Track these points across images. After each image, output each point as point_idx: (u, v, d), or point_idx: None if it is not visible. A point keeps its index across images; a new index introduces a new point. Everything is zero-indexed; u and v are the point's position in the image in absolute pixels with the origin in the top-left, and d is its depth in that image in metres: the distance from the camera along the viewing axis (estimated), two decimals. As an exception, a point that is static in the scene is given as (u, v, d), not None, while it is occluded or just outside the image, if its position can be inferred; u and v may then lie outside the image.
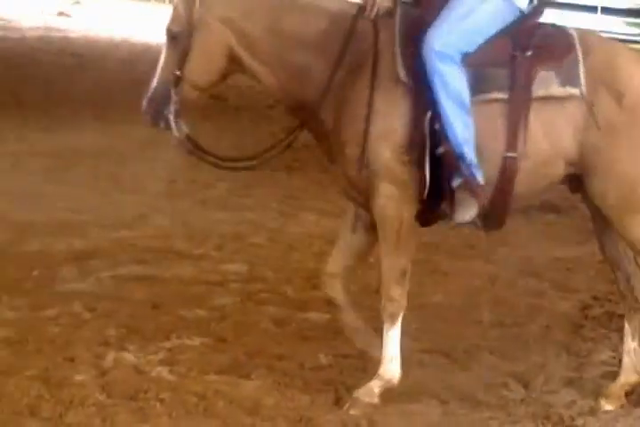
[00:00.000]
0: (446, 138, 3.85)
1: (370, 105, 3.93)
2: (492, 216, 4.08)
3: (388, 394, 3.78)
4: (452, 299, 5.13)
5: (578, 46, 3.80)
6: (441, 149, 3.84)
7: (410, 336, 4.28)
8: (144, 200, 6.09)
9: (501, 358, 4.40)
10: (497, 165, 3.95)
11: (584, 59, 3.76)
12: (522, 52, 4.08)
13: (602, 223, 3.99)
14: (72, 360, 3.84)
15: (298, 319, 4.62)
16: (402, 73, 3.91)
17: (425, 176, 3.82)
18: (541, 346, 4.56)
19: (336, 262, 4.01)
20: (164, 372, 3.84)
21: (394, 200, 3.88)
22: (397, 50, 4.01)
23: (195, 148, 4.17)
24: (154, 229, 5.57)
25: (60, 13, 15.41)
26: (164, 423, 3.41)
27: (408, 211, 3.91)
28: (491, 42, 4.07)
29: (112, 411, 3.41)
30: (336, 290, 3.97)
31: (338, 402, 3.78)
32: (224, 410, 3.61)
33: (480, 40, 4.14)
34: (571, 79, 3.79)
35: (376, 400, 3.74)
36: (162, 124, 4.16)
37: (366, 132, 3.90)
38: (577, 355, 4.53)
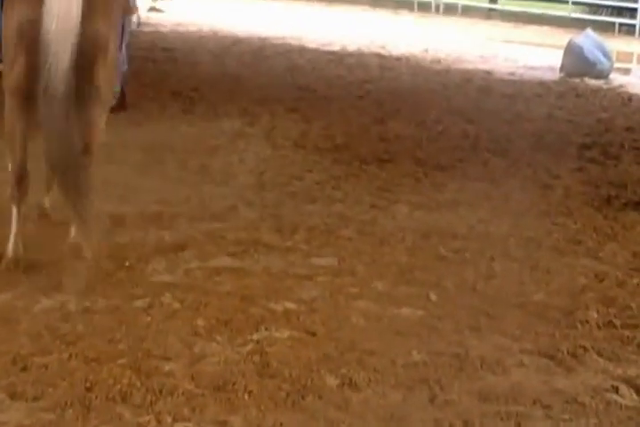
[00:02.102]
0: None
1: None
2: None
3: (488, 394, 3.71)
4: (554, 298, 4.98)
5: None
6: None
7: (510, 336, 4.27)
8: (233, 192, 6.08)
9: (610, 361, 4.25)
10: None
11: None
12: None
13: None
14: (162, 350, 3.84)
15: (389, 315, 4.53)
16: None
17: None
18: (656, 349, 4.44)
19: None
20: (252, 364, 3.82)
21: None
22: None
23: None
24: (243, 221, 5.55)
25: (152, 8, 15.73)
26: (253, 415, 3.42)
27: None
28: None
29: (201, 401, 3.46)
30: None
31: (432, 401, 3.69)
32: (312, 404, 3.59)
33: None
34: None
35: None
36: None
37: None
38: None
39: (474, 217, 5.95)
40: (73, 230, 4.89)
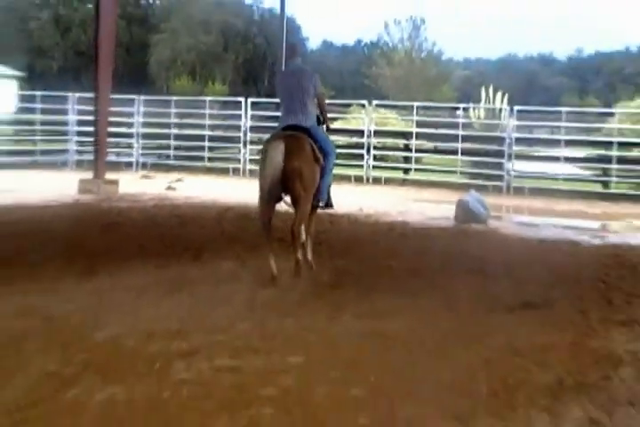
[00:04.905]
0: None
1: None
2: None
3: None
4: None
5: None
6: None
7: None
8: (233, 312, 6.03)
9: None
10: None
11: None
12: None
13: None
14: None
15: (344, 394, 4.28)
16: None
17: None
18: None
19: None
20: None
21: None
22: None
23: None
24: (240, 331, 5.47)
25: (168, 188, 15.90)
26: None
27: None
28: None
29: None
30: None
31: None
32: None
33: None
34: None
35: None
36: None
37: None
38: None
39: (399, 321, 5.89)
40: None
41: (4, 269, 7.30)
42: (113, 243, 9.17)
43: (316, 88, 7.46)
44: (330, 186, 7.71)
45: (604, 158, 17.79)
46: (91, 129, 16.09)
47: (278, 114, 8.62)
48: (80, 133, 20.03)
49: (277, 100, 7.80)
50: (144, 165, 20.57)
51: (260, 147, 19.91)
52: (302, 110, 7.33)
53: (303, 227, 7.53)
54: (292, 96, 7.38)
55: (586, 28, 73.25)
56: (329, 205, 7.73)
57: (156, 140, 21.34)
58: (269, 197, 6.94)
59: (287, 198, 7.35)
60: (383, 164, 19.48)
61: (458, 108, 20.50)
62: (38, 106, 20.90)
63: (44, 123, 20.82)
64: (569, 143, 18.31)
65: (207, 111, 21.33)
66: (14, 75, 37.88)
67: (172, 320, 5.64)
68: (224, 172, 20.09)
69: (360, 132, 19.32)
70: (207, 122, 21.23)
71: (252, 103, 20.57)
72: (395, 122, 21.41)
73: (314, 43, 43.12)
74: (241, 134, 20.45)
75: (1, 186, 14.67)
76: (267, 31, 37.76)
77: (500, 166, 18.16)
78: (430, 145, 19.88)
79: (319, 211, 7.94)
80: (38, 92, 21.65)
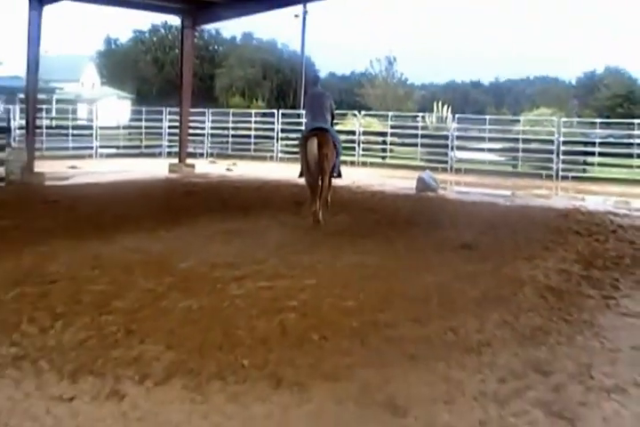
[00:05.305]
0: None
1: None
2: None
3: None
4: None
5: None
6: None
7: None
8: (268, 250, 5.92)
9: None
10: None
11: None
12: None
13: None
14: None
15: (342, 303, 4.20)
16: None
17: None
18: None
19: None
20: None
21: None
22: None
23: None
24: (271, 264, 5.34)
25: (227, 169, 15.70)
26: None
27: None
28: None
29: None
30: None
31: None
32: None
33: None
34: None
35: None
36: None
37: None
38: None
39: (379, 257, 5.82)
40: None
41: (118, 221, 7.28)
42: (190, 205, 9.10)
43: (331, 105, 7.94)
44: (340, 165, 8.12)
45: (514, 149, 17.65)
46: (177, 131, 16.17)
47: (300, 121, 9.17)
48: (170, 134, 20.11)
49: (300, 111, 8.66)
50: (211, 155, 20.51)
51: (287, 142, 19.41)
52: (323, 118, 7.76)
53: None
54: (316, 109, 7.84)
55: (502, 59, 72.50)
56: (339, 175, 8.18)
57: (218, 138, 21.28)
58: (314, 169, 7.48)
59: None
60: (368, 153, 19.37)
61: (417, 116, 20.31)
62: (144, 116, 20.99)
63: (146, 127, 20.82)
64: (491, 139, 18.15)
65: (252, 119, 21.29)
66: (128, 96, 38.03)
67: (228, 256, 5.60)
68: (263, 158, 19.92)
69: (353, 132, 19.19)
70: (252, 126, 21.12)
71: (282, 114, 20.45)
72: (376, 125, 21.44)
73: (323, 73, 42.95)
74: (274, 134, 20.30)
75: (120, 168, 14.81)
76: (292, 65, 37.65)
77: (445, 154, 18.05)
78: (399, 140, 19.73)
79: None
80: (143, 108, 21.78)
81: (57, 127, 19.26)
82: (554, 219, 8.72)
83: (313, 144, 7.37)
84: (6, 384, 2.83)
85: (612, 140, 17.57)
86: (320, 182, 7.55)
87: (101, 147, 19.26)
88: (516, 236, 7.26)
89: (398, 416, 2.67)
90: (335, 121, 8.61)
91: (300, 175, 8.01)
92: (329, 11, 66.20)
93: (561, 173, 16.38)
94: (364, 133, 19.34)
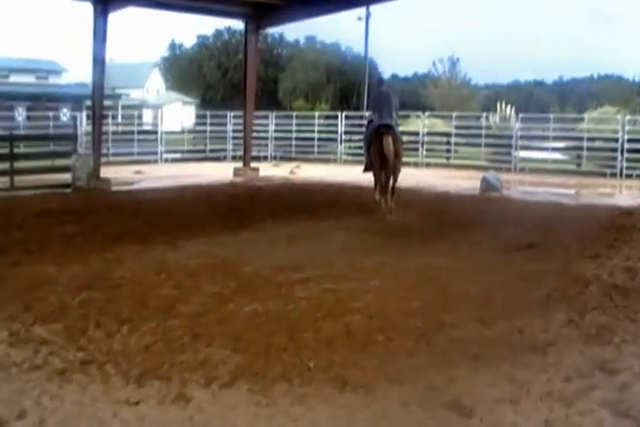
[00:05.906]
0: None
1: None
2: None
3: None
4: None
5: None
6: None
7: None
8: (331, 250, 5.95)
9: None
10: None
11: None
12: None
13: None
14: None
15: (395, 305, 4.13)
16: None
17: None
18: None
19: None
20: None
21: None
22: None
23: None
24: (336, 265, 5.35)
25: (290, 172, 15.75)
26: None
27: None
28: None
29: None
30: None
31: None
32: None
33: None
34: None
35: None
36: None
37: None
38: None
39: (443, 258, 5.73)
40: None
41: (183, 226, 7.31)
42: (254, 208, 9.14)
43: (395, 104, 8.47)
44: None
45: (578, 147, 17.21)
46: (241, 135, 16.17)
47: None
48: (234, 138, 20.29)
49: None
50: (275, 158, 20.64)
51: (351, 144, 19.32)
52: (388, 116, 8.30)
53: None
54: (383, 108, 8.35)
55: (565, 58, 70.12)
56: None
57: (282, 141, 21.42)
58: (388, 165, 8.01)
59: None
60: (432, 153, 19.12)
61: (481, 116, 19.94)
62: (208, 121, 21.24)
63: (211, 131, 21.02)
64: (554, 138, 17.66)
65: (316, 121, 21.33)
66: (193, 101, 38.97)
67: (293, 259, 5.61)
68: (326, 161, 19.91)
69: (417, 133, 18.93)
70: (316, 128, 21.11)
71: (345, 116, 20.46)
72: (440, 126, 21.06)
73: (386, 75, 42.78)
74: (337, 136, 20.31)
75: (186, 172, 15.04)
76: (355, 68, 37.56)
77: (509, 154, 17.67)
78: (463, 141, 19.38)
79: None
80: (208, 112, 22.08)
81: (123, 133, 19.60)
82: (618, 217, 8.47)
83: (389, 140, 7.86)
84: (73, 389, 2.81)
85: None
86: (391, 176, 8.05)
87: (166, 151, 19.56)
88: (580, 234, 7.04)
89: (464, 417, 2.64)
90: (398, 122, 8.83)
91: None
92: (391, 12, 66.07)
93: (625, 172, 15.90)
94: (428, 134, 19.09)
